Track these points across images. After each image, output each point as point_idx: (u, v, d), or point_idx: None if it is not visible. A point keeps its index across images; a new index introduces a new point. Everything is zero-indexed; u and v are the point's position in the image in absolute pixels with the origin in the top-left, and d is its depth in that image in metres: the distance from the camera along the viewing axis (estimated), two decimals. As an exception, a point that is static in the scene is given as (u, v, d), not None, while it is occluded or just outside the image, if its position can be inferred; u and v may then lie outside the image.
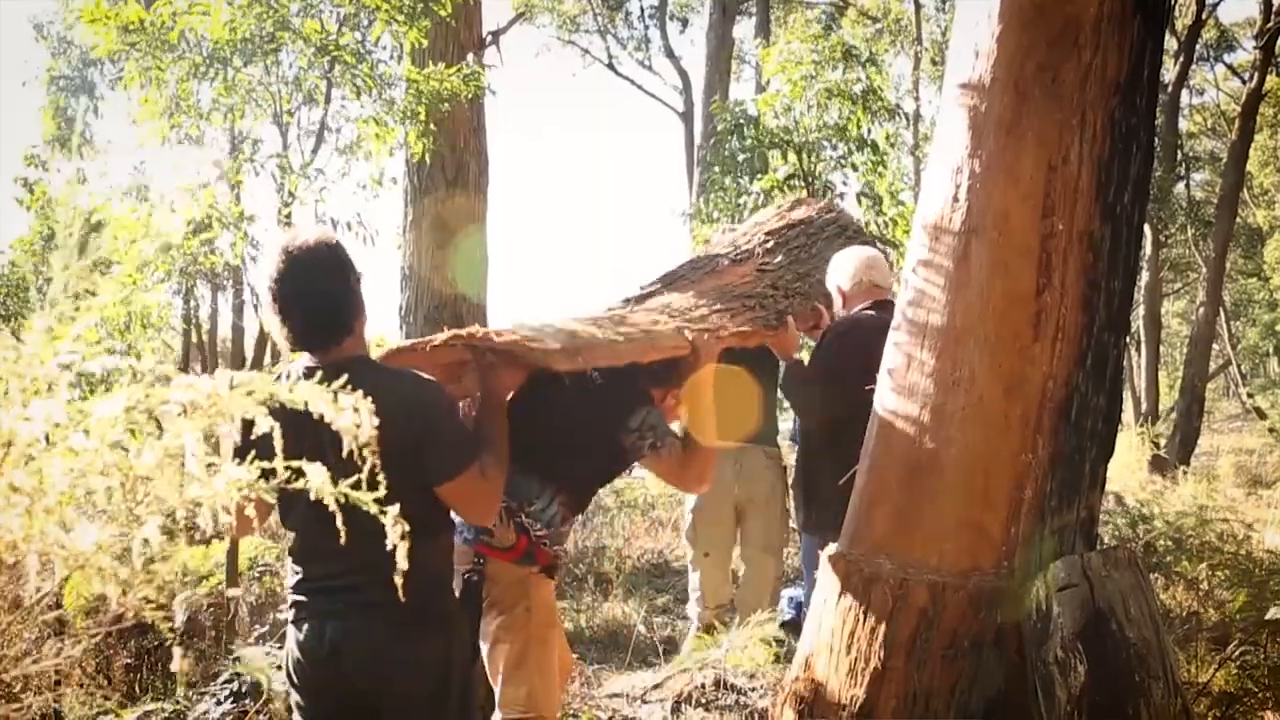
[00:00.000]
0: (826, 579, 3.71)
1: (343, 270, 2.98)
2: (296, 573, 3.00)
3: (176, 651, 1.66)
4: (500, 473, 3.11)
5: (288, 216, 5.48)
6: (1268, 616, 4.55)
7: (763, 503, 5.78)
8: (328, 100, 5.61)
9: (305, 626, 2.94)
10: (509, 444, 3.23)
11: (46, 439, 1.56)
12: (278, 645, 4.83)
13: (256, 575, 6.46)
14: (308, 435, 2.35)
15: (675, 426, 3.93)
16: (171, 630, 1.56)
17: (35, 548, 1.52)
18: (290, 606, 3.00)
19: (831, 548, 3.77)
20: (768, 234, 4.99)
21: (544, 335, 3.17)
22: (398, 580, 2.23)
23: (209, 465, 1.68)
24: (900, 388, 3.67)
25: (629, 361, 3.54)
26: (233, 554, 5.74)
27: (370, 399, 2.10)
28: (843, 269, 4.78)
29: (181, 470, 1.62)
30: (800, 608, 5.85)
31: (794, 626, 6.00)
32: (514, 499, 3.50)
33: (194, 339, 11.75)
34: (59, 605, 4.79)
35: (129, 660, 5.54)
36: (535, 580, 3.62)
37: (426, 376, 2.98)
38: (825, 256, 4.96)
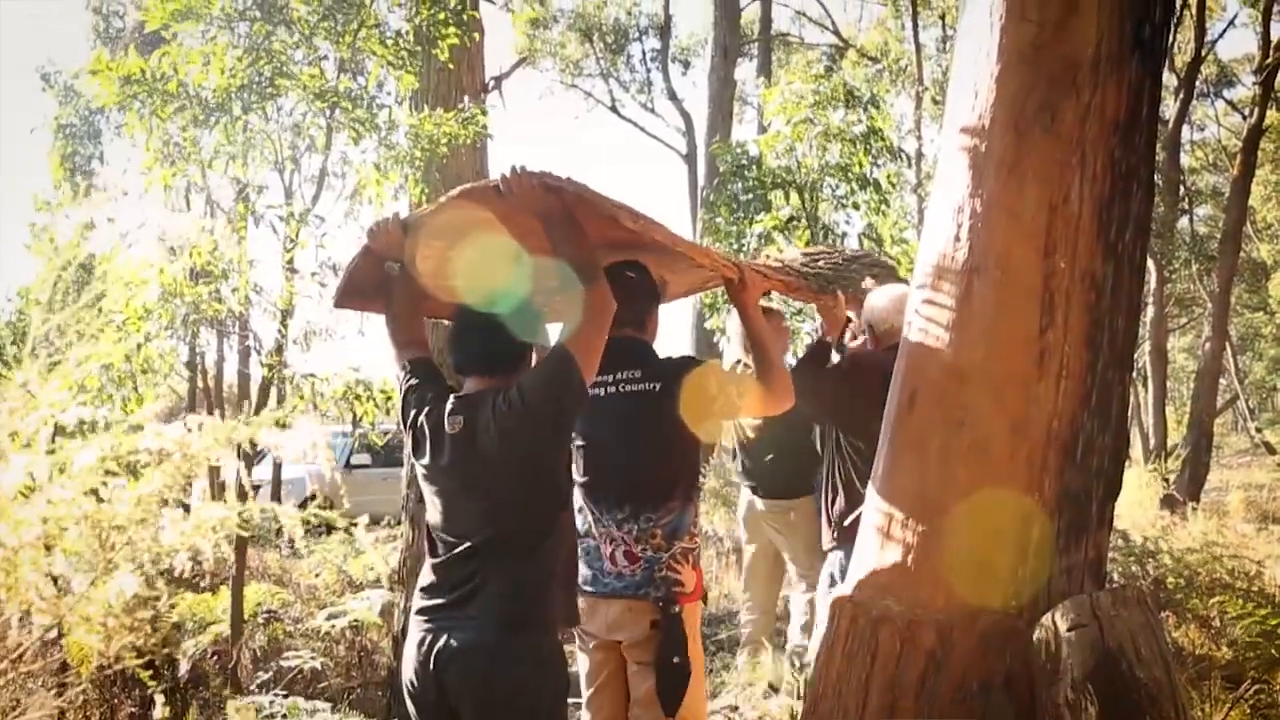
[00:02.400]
0: (833, 621, 3.68)
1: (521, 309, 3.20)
2: (420, 584, 3.14)
3: (158, 699, 1.65)
4: (602, 281, 3.17)
5: (290, 262, 5.49)
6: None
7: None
8: (328, 146, 5.64)
9: (415, 641, 3.05)
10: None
11: (23, 492, 1.56)
12: (282, 693, 4.80)
13: (261, 622, 6.43)
14: (440, 442, 2.96)
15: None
16: (152, 679, 1.56)
17: (16, 599, 1.52)
18: (415, 612, 3.12)
19: (838, 589, 3.75)
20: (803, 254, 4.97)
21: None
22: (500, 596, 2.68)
23: (183, 508, 1.69)
24: (905, 427, 3.65)
25: (682, 251, 3.55)
26: (236, 601, 5.71)
27: (496, 422, 2.78)
28: (877, 309, 4.69)
29: (154, 517, 1.62)
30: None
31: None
32: (673, 539, 3.60)
33: (199, 384, 11.76)
34: (56, 651, 4.76)
35: (133, 709, 5.50)
36: (694, 609, 3.68)
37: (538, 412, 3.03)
38: (857, 272, 4.90)
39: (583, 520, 3.73)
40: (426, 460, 3.11)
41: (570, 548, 3.26)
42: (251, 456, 5.93)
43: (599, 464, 3.72)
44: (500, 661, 2.95)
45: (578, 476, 3.72)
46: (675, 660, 3.53)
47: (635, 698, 3.68)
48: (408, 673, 3.08)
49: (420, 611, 3.09)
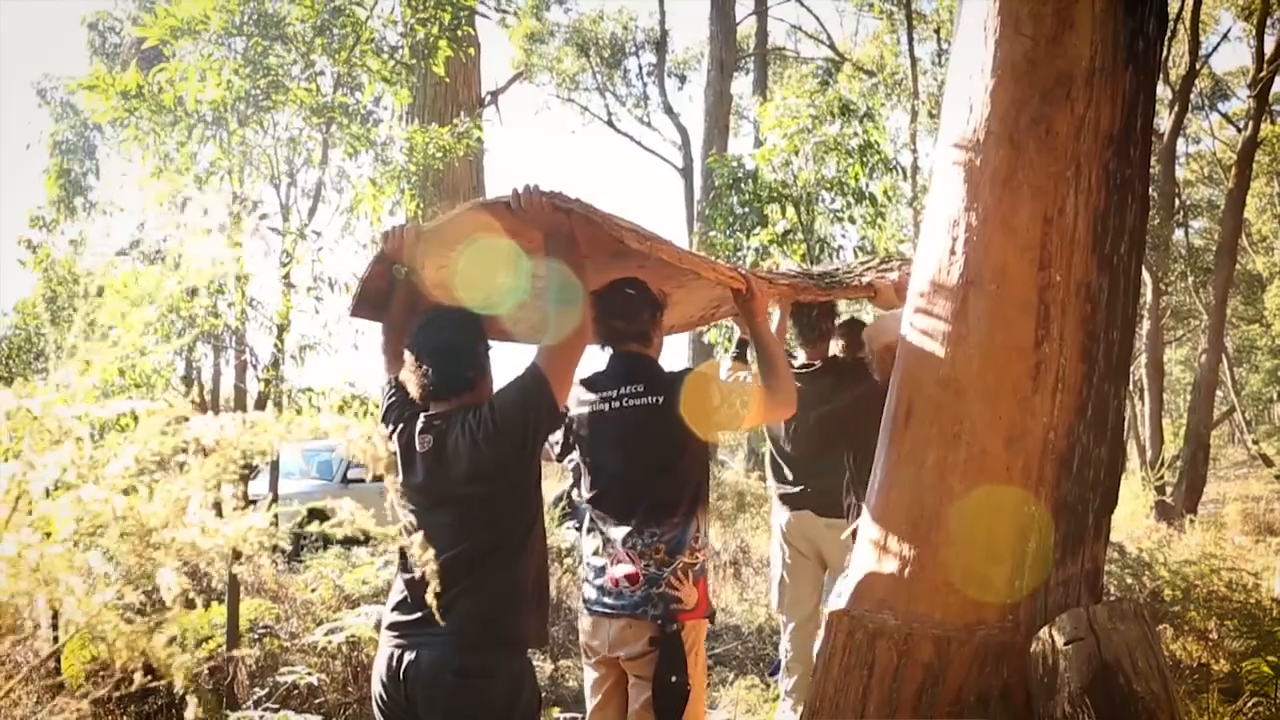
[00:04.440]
0: (830, 635, 3.68)
1: (471, 334, 3.21)
2: (390, 600, 3.16)
3: (191, 700, 1.64)
4: (583, 301, 3.20)
5: (286, 276, 5.49)
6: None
7: None
8: (324, 161, 5.65)
9: (385, 655, 3.07)
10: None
11: (48, 491, 1.56)
12: (274, 707, 4.78)
13: (256, 637, 6.40)
14: (410, 461, 3.04)
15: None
16: (189, 680, 1.55)
17: (43, 599, 1.51)
18: (384, 629, 3.14)
19: (835, 603, 3.74)
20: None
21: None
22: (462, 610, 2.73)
23: (216, 510, 1.67)
24: (901, 440, 3.65)
25: (689, 267, 3.62)
26: (232, 616, 5.69)
27: (466, 441, 2.89)
28: (877, 335, 4.74)
29: (191, 518, 1.61)
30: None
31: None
32: (675, 553, 3.61)
33: (195, 399, 11.75)
34: (56, 670, 4.75)
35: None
36: (696, 625, 3.69)
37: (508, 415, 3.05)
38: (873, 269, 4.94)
39: (593, 540, 3.75)
40: (400, 476, 3.14)
41: (540, 566, 3.23)
42: (249, 470, 5.93)
43: (605, 480, 3.75)
44: (468, 678, 2.97)
45: (586, 493, 3.76)
46: (673, 679, 3.54)
47: (631, 709, 3.70)
48: (377, 687, 3.10)
49: (391, 626, 3.11)
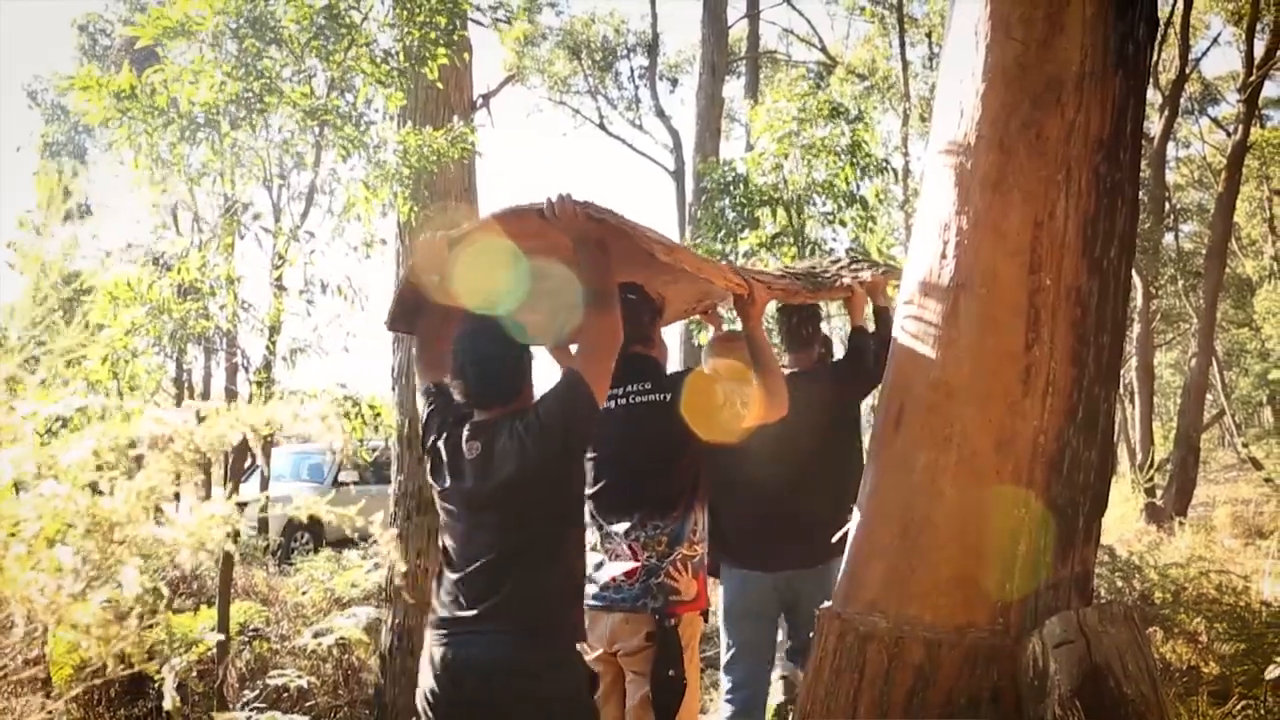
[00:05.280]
0: (821, 637, 3.68)
1: (515, 341, 3.31)
2: (436, 598, 3.24)
3: (168, 691, 1.63)
4: (617, 309, 3.30)
5: (278, 279, 5.48)
6: (1267, 676, 4.50)
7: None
8: (317, 163, 5.63)
9: (435, 654, 3.14)
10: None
11: (15, 487, 1.55)
12: (262, 706, 4.78)
13: (246, 640, 6.40)
14: (458, 465, 3.13)
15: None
16: (139, 690, 1.54)
17: (17, 600, 1.50)
18: (431, 629, 3.21)
19: (825, 606, 3.75)
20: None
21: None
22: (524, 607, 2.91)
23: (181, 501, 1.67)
24: (891, 443, 3.66)
25: (705, 275, 3.77)
26: (223, 618, 5.68)
27: (514, 446, 3.02)
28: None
29: (154, 513, 1.61)
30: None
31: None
32: (675, 545, 3.72)
33: (186, 402, 11.72)
34: (38, 662, 4.73)
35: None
36: (692, 620, 3.79)
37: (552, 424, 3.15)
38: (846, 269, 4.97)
39: (590, 535, 3.79)
40: (445, 482, 3.23)
41: (582, 563, 3.36)
42: (239, 474, 5.92)
43: (610, 473, 3.84)
44: (524, 673, 3.05)
45: (588, 489, 3.81)
46: (670, 673, 3.62)
47: (629, 705, 3.76)
48: (426, 683, 3.16)
49: (439, 625, 3.18)
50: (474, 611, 3.09)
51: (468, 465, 3.18)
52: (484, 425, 3.21)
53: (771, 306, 4.96)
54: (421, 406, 3.46)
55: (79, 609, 1.49)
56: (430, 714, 3.15)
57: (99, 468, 1.61)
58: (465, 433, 3.22)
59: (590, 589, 3.74)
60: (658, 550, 3.72)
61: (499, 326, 3.32)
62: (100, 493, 1.60)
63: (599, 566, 3.77)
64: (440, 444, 3.28)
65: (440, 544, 3.30)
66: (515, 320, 3.41)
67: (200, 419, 1.67)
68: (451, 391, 3.35)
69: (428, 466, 3.35)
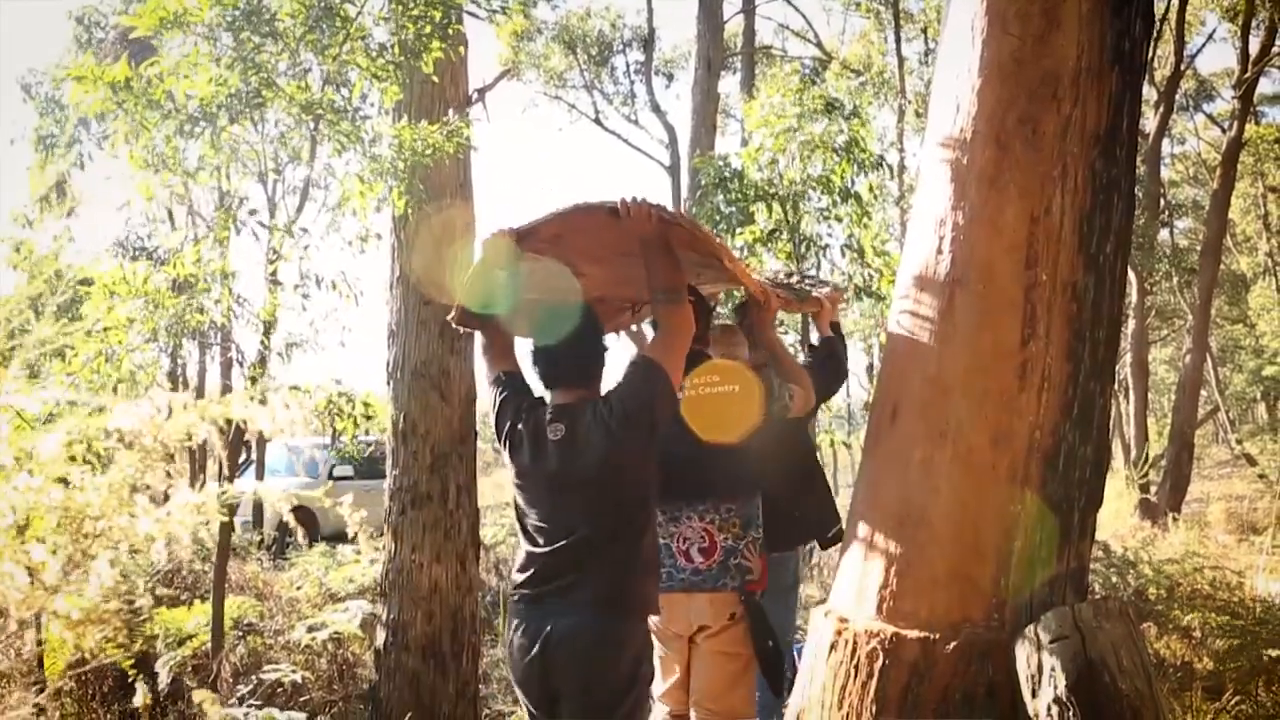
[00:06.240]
0: (816, 634, 3.68)
1: (594, 329, 3.54)
2: (520, 571, 3.42)
3: (140, 685, 1.63)
4: (688, 304, 3.51)
5: (273, 273, 5.47)
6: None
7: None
8: (313, 158, 5.62)
9: (521, 626, 3.34)
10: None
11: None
12: (258, 705, 4.77)
13: (240, 635, 6.39)
14: (541, 447, 3.33)
15: None
16: (130, 680, 1.54)
17: None
18: (517, 600, 3.40)
19: (821, 603, 3.75)
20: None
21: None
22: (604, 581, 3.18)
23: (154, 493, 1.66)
24: (887, 440, 3.66)
25: (746, 283, 4.10)
26: (217, 613, 5.68)
27: (599, 429, 3.22)
28: None
29: (127, 505, 1.60)
30: (793, 665, 5.78)
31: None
32: (747, 528, 3.93)
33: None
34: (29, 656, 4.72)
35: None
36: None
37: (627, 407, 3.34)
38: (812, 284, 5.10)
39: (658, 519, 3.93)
40: (526, 462, 3.42)
41: (656, 539, 3.58)
42: (234, 468, 5.91)
43: (683, 460, 3.91)
44: (605, 644, 3.24)
45: None
46: (770, 643, 3.84)
47: (701, 687, 3.89)
48: (513, 654, 3.37)
49: (523, 599, 3.38)
50: (560, 585, 3.28)
51: (551, 447, 3.36)
52: (566, 409, 3.39)
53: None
54: (492, 395, 3.61)
55: (54, 600, 1.49)
56: (523, 683, 3.36)
57: (71, 459, 1.61)
58: (548, 415, 3.41)
59: (661, 572, 3.88)
60: (733, 532, 3.89)
61: (581, 312, 3.54)
62: (72, 486, 1.60)
63: (665, 551, 3.90)
64: (521, 426, 3.44)
65: (519, 522, 3.48)
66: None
67: (168, 414, 1.67)
68: (521, 378, 3.59)
69: (506, 449, 3.51)
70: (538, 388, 3.60)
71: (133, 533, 1.61)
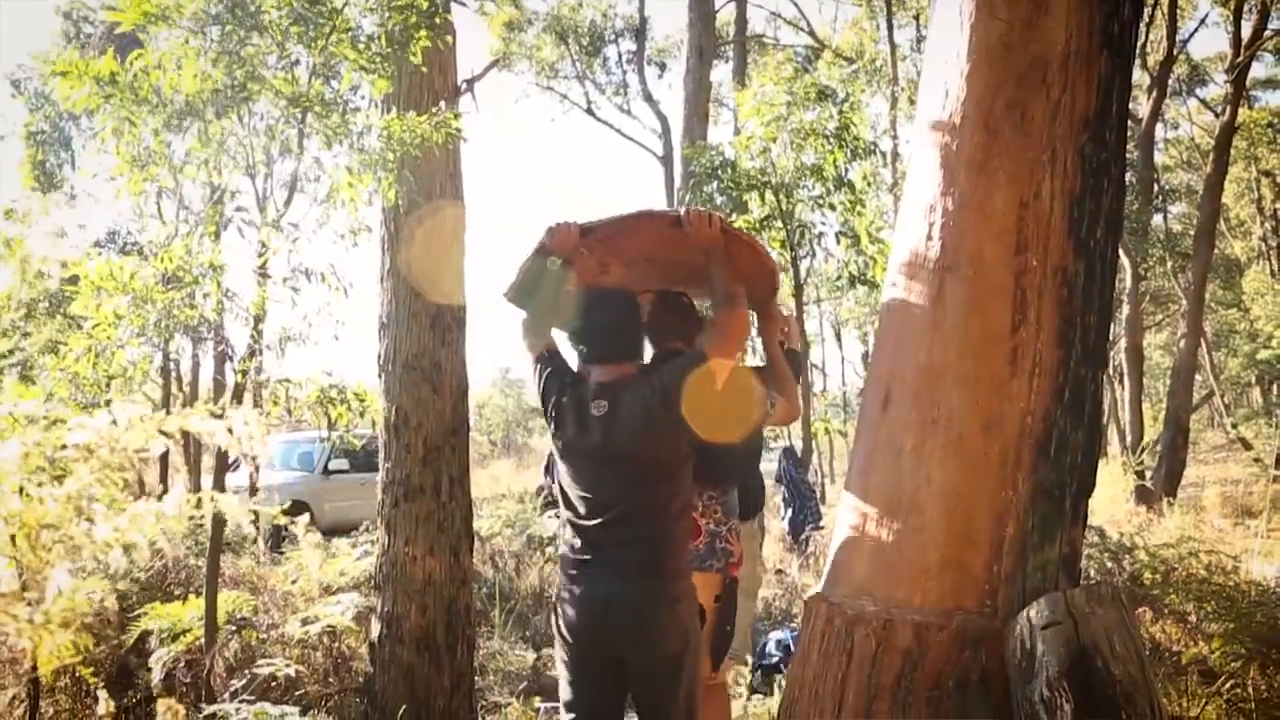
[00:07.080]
0: (810, 621, 3.68)
1: (636, 311, 3.75)
2: (571, 541, 3.60)
3: (102, 695, 1.63)
4: (743, 308, 3.74)
5: (262, 267, 5.44)
6: None
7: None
8: (301, 151, 5.58)
9: (574, 594, 3.51)
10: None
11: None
12: (252, 699, 4.76)
13: (234, 630, 6.37)
14: (585, 422, 3.52)
15: None
16: (113, 686, 1.54)
17: None
18: (568, 569, 3.57)
19: (813, 589, 3.74)
20: None
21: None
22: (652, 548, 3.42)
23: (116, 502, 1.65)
24: (879, 426, 3.65)
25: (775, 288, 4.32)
26: (210, 608, 5.66)
27: (640, 407, 3.45)
28: None
29: (85, 514, 1.59)
30: (789, 650, 5.79)
31: (774, 670, 5.93)
32: (728, 515, 4.13)
33: (173, 392, 11.67)
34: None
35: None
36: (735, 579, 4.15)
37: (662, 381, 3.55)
38: None
39: None
40: (570, 436, 3.59)
41: (692, 505, 3.73)
42: (226, 463, 5.89)
43: None
44: (662, 603, 3.44)
45: None
46: (728, 627, 4.04)
47: None
48: (568, 622, 3.52)
49: (574, 567, 3.53)
50: (608, 552, 3.46)
51: (595, 422, 3.53)
52: (609, 386, 3.56)
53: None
54: (536, 372, 3.76)
55: (16, 607, 1.48)
56: (576, 647, 3.51)
57: (34, 470, 1.60)
58: (592, 391, 3.58)
59: None
60: (714, 518, 4.06)
61: (625, 296, 3.76)
62: (30, 497, 1.60)
63: None
64: (565, 400, 3.60)
65: (562, 494, 3.66)
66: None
67: (126, 428, 1.66)
68: (560, 356, 3.76)
69: (552, 423, 3.68)
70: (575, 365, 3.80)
71: (90, 542, 1.60)
